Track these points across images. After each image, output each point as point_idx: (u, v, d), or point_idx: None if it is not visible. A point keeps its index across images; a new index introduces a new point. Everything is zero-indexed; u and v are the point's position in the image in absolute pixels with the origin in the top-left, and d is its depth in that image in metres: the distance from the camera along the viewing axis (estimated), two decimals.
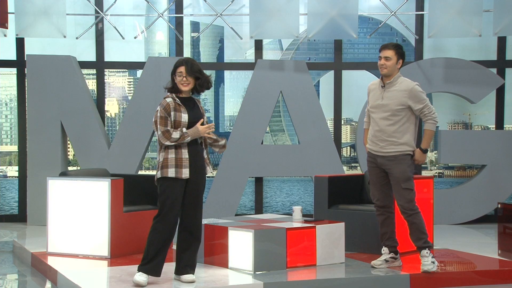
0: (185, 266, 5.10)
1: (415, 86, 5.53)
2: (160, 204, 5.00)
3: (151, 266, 5.02)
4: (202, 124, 5.01)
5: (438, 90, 9.18)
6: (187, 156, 4.96)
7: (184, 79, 4.98)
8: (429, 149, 5.62)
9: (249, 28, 9.01)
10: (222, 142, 5.20)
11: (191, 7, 9.84)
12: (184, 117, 4.97)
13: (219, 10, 9.18)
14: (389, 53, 5.54)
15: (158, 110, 4.98)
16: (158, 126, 4.95)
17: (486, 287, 5.49)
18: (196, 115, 5.04)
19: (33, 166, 8.92)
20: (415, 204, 5.53)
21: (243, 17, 9.40)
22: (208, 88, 5.13)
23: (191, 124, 4.99)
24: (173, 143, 4.92)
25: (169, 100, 4.99)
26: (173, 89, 5.06)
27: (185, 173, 4.95)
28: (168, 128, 4.94)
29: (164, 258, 5.07)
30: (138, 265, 5.08)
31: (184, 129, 4.94)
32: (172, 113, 4.96)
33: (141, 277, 4.99)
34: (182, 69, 4.98)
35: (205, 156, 5.12)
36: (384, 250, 5.74)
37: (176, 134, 4.91)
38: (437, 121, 5.55)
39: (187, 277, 5.07)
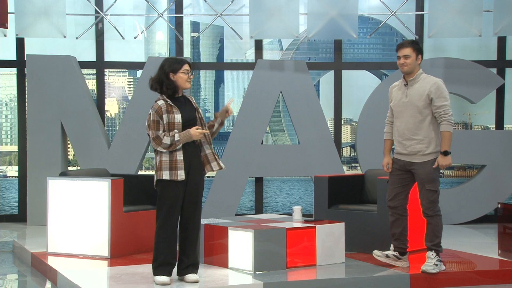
0: (187, 267, 5.10)
1: (439, 82, 5.53)
2: (159, 207, 5.00)
3: (162, 268, 5.02)
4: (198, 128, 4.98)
5: None
6: (181, 158, 4.93)
7: (192, 76, 5.03)
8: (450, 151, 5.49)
9: (249, 28, 9.01)
10: (217, 124, 5.15)
11: (191, 7, 9.84)
12: (178, 118, 4.94)
13: (219, 10, 9.18)
14: (407, 51, 5.53)
15: (150, 114, 4.96)
16: (150, 130, 4.94)
17: (486, 287, 5.49)
18: (189, 113, 5.02)
19: (33, 166, 8.92)
20: (438, 206, 5.51)
21: (243, 17, 9.40)
22: None
23: (185, 123, 4.96)
24: (164, 149, 4.90)
25: (160, 102, 4.95)
26: (173, 89, 4.99)
27: (180, 174, 4.92)
28: (159, 133, 4.92)
29: (173, 258, 5.06)
30: (152, 270, 5.08)
31: (176, 135, 4.89)
32: (164, 116, 4.92)
33: (161, 279, 4.99)
34: (188, 67, 5.01)
35: (207, 151, 5.05)
36: (391, 247, 5.76)
37: (167, 140, 4.89)
38: (453, 124, 5.44)
39: (190, 276, 5.07)
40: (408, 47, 5.56)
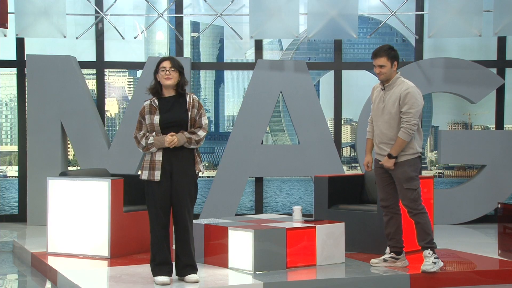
0: (185, 267, 5.09)
1: (411, 89, 5.49)
2: (147, 207, 5.10)
3: (160, 268, 5.04)
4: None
5: (438, 90, 9.17)
6: (160, 159, 4.98)
7: (167, 72, 4.99)
8: (397, 156, 5.51)
9: (249, 28, 9.01)
10: (189, 142, 4.99)
11: (191, 7, 9.84)
12: (156, 119, 4.99)
13: (219, 10, 9.18)
14: (382, 60, 5.56)
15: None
16: (135, 130, 5.08)
17: (486, 287, 5.49)
18: (174, 115, 4.99)
19: (33, 166, 8.93)
20: (421, 204, 5.55)
21: (243, 17, 9.40)
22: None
23: (166, 125, 4.97)
24: (141, 150, 5.04)
25: (146, 103, 5.07)
26: (155, 89, 5.07)
27: (157, 175, 4.98)
28: (140, 133, 5.04)
29: (169, 257, 5.07)
30: (151, 271, 5.10)
31: (151, 138, 4.95)
32: (146, 116, 5.03)
33: (161, 279, 5.00)
34: (165, 63, 5.02)
35: (195, 153, 5.07)
36: (387, 249, 5.76)
37: (143, 142, 5.01)
38: (411, 133, 5.43)
39: (190, 277, 5.07)
40: (383, 56, 5.57)
